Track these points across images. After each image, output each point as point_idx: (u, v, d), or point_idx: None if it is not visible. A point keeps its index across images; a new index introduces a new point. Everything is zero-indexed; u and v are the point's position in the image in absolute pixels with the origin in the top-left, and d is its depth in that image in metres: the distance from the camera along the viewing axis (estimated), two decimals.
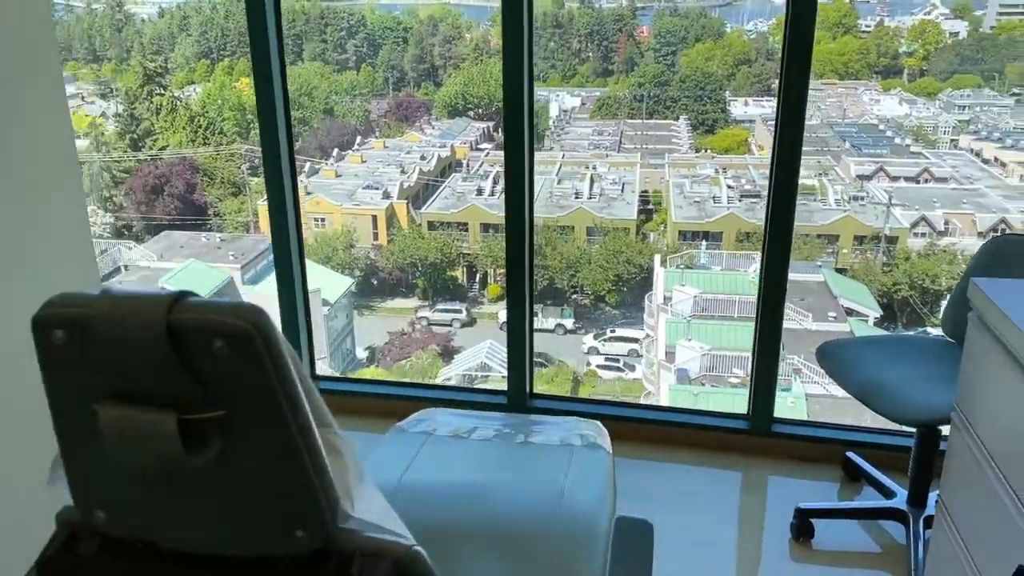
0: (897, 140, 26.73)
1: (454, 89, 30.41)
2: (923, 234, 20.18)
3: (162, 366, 0.85)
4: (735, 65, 31.00)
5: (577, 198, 23.87)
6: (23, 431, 1.63)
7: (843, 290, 16.56)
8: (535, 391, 2.68)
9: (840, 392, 2.47)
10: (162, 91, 28.45)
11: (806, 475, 2.48)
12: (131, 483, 0.93)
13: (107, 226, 24.98)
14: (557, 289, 22.04)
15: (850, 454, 2.36)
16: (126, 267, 18.68)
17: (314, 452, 0.92)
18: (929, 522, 2.03)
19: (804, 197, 22.04)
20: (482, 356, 16.95)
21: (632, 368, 17.99)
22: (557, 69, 34.09)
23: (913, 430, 1.99)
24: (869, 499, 2.30)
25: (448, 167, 27.34)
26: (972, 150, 25.81)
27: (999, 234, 2.18)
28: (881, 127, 28.35)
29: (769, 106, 29.44)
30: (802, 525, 2.19)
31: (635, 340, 19.48)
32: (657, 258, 18.61)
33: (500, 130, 28.58)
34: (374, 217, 24.95)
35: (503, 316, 20.89)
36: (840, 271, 18.70)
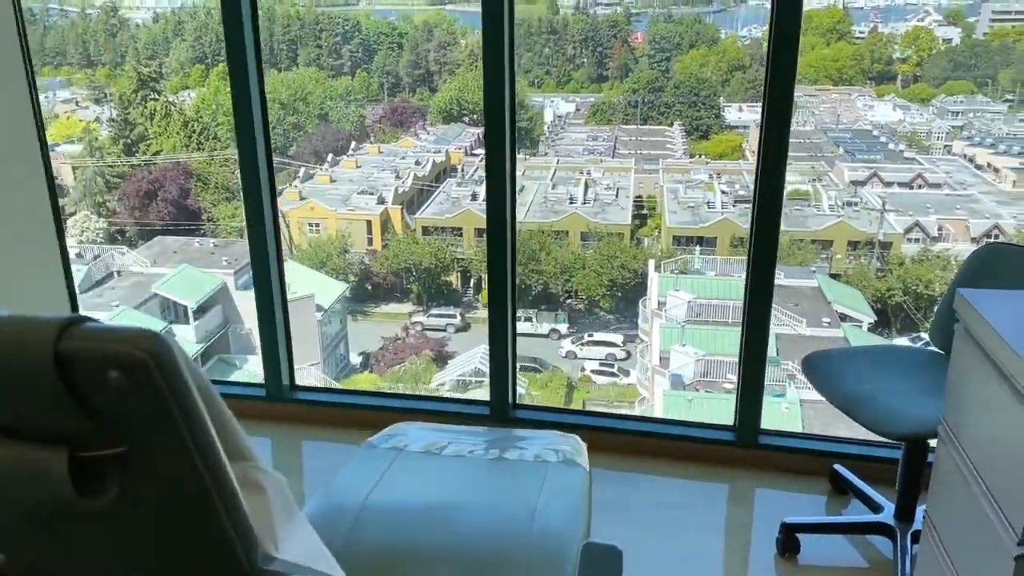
0: (891, 146, 26.82)
1: (449, 94, 30.44)
2: (917, 240, 20.22)
3: (51, 399, 0.77)
4: (729, 71, 31.09)
5: (571, 203, 23.87)
6: None
7: (837, 296, 16.56)
8: (519, 401, 2.63)
9: None
10: (156, 96, 28.38)
11: (793, 488, 2.43)
12: (27, 522, 0.87)
13: (100, 231, 24.88)
14: (551, 294, 22.03)
15: (837, 466, 2.31)
16: (119, 272, 18.58)
17: (225, 489, 0.85)
18: (917, 537, 1.99)
19: (798, 203, 22.09)
20: (476, 361, 16.90)
21: (626, 373, 17.96)
22: (552, 75, 34.14)
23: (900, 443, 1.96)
24: (856, 513, 2.26)
25: (443, 172, 27.32)
26: (965, 156, 25.91)
27: (988, 243, 2.14)
28: (875, 133, 28.44)
29: (762, 114, 29.45)
30: (788, 540, 2.14)
31: (614, 344, 19.45)
32: (651, 263, 18.59)
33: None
34: (368, 222, 24.90)
35: None
36: (834, 276, 18.72)
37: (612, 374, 18.22)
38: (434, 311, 21.52)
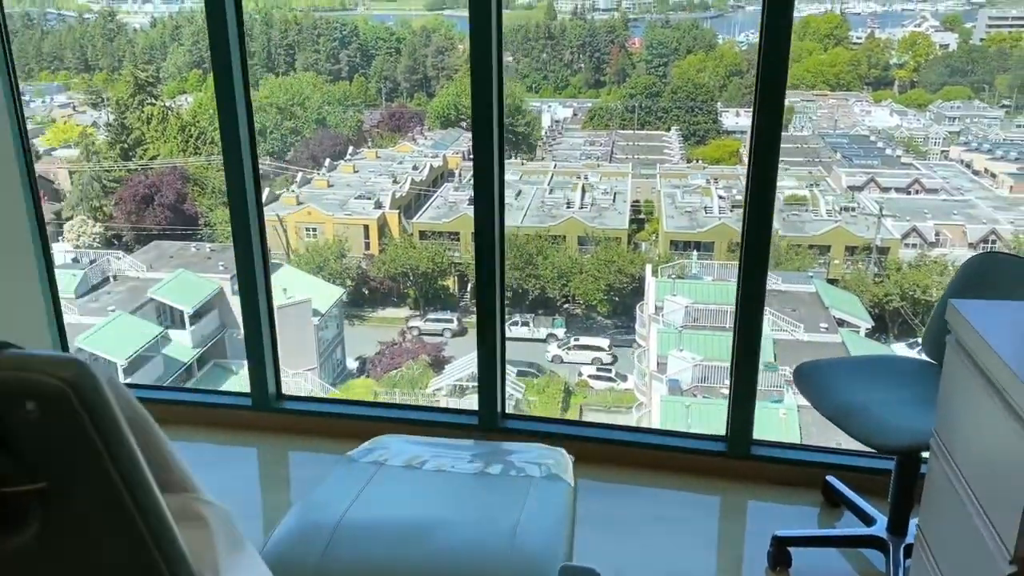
0: (888, 151, 26.86)
1: (447, 99, 30.45)
2: (914, 245, 20.23)
3: None
4: (727, 76, 31.15)
5: (569, 208, 23.88)
6: None
7: (834, 301, 16.54)
8: (516, 409, 2.59)
9: None
10: (153, 101, 28.36)
11: (785, 499, 2.40)
12: None
13: (97, 236, 24.83)
14: (549, 299, 22.01)
15: (830, 478, 2.28)
16: (115, 277, 18.51)
17: (156, 523, 0.79)
18: (909, 551, 1.96)
19: (795, 208, 22.11)
20: (473, 366, 16.79)
21: (624, 378, 17.92)
22: (549, 80, 34.19)
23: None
24: (849, 526, 2.23)
25: (440, 177, 27.31)
26: (962, 161, 25.96)
27: (981, 251, 2.11)
28: (872, 138, 28.49)
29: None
30: (779, 554, 2.11)
31: (600, 348, 19.54)
32: (648, 268, 18.57)
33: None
34: (366, 227, 24.87)
35: None
36: (832, 282, 18.71)
37: (609, 379, 18.18)
38: (431, 316, 21.47)
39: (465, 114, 31.02)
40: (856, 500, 2.20)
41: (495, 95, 2.30)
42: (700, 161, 26.62)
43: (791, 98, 32.39)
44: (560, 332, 20.46)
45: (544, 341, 20.02)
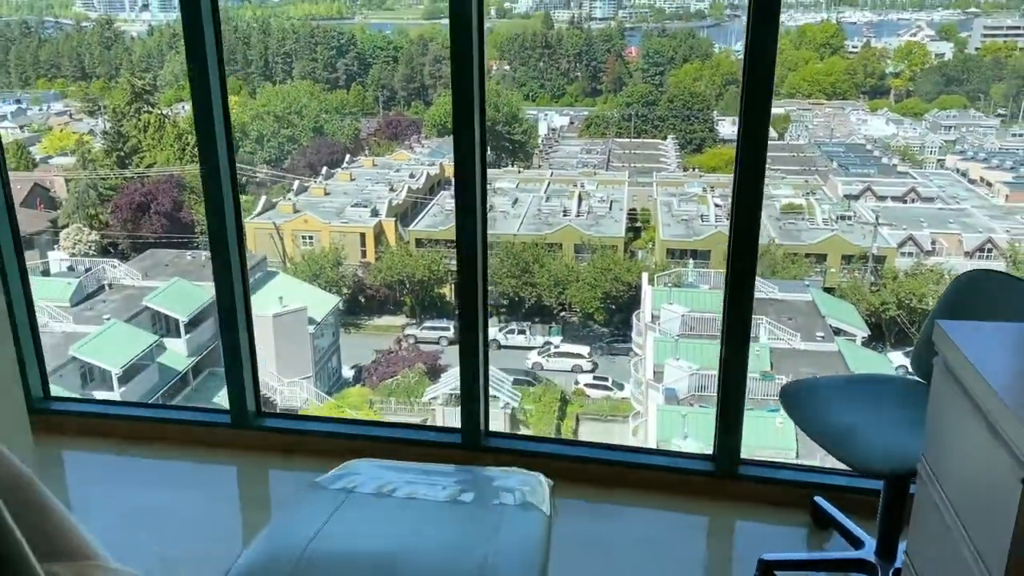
0: (884, 160, 26.93)
1: (444, 108, 30.46)
2: (910, 253, 20.24)
3: None
4: (723, 85, 31.25)
5: (565, 216, 23.88)
6: None
7: (831, 309, 16.51)
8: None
9: None
10: (150, 109, 28.36)
11: (773, 520, 2.35)
12: None
13: (93, 244, 24.77)
14: (545, 307, 21.98)
15: (818, 499, 2.23)
16: (110, 285, 18.43)
17: None
18: (899, 575, 1.91)
19: (792, 216, 22.13)
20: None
21: (620, 387, 17.86)
22: (546, 88, 34.28)
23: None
24: (837, 548, 2.19)
25: (436, 185, 27.30)
26: (958, 170, 26.04)
27: (970, 269, 2.07)
28: (868, 147, 28.56)
29: None
30: None
31: (579, 356, 19.38)
32: (645, 276, 18.54)
33: (488, 148, 28.48)
34: (362, 235, 24.85)
35: (491, 333, 20.95)
36: (828, 290, 18.69)
37: (606, 388, 18.12)
38: (427, 324, 21.41)
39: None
40: (845, 522, 2.16)
41: (476, 103, 2.26)
42: (696, 169, 26.66)
43: (788, 107, 32.52)
44: (557, 340, 20.43)
45: (533, 348, 19.97)
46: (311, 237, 23.81)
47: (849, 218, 21.08)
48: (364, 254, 23.74)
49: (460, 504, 1.46)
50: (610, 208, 23.39)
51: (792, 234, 20.56)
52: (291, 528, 1.38)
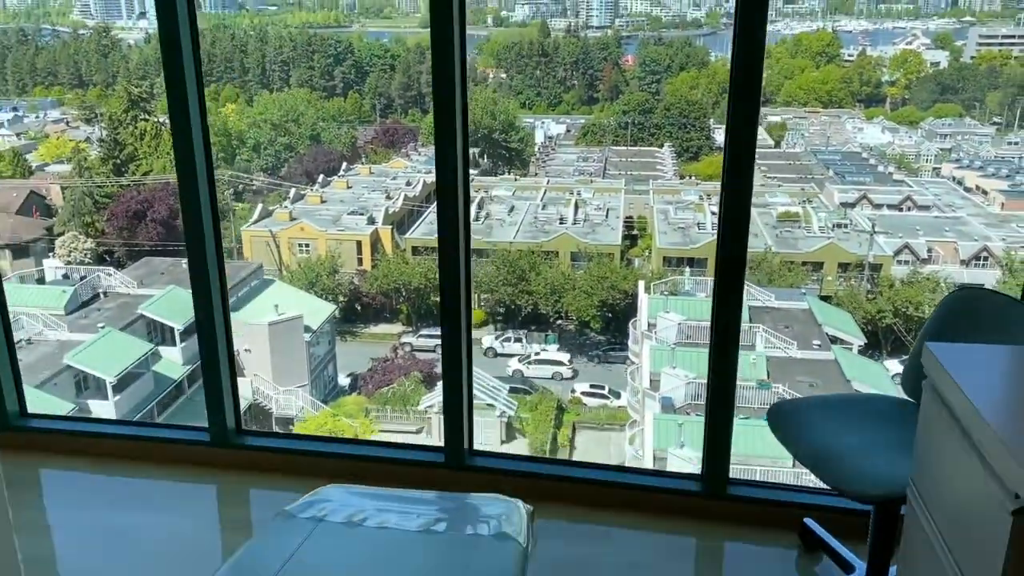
0: (880, 168, 26.99)
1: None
2: (906, 262, 20.25)
3: None
4: (719, 93, 31.32)
5: (562, 223, 23.87)
6: None
7: (827, 318, 16.47)
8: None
9: None
10: (147, 116, 28.31)
11: (762, 541, 2.30)
12: None
13: (88, 251, 24.69)
14: (541, 315, 21.93)
15: (808, 521, 2.18)
16: (105, 293, 18.34)
17: None
18: None
19: (788, 224, 22.14)
20: None
21: (617, 395, 17.79)
22: (543, 97, 34.35)
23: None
24: (827, 572, 2.14)
25: (433, 192, 27.33)
26: (954, 178, 26.10)
27: (960, 287, 2.03)
28: (864, 155, 28.63)
29: None
30: None
31: (560, 363, 19.38)
32: (641, 284, 18.50)
33: (485, 156, 28.50)
34: (359, 243, 24.79)
35: (487, 341, 20.87)
36: (825, 299, 18.67)
37: (603, 396, 18.05)
38: (424, 332, 21.32)
39: None
40: (835, 545, 2.11)
41: (459, 110, 2.23)
42: (693, 177, 26.69)
43: (784, 115, 32.63)
44: (553, 348, 20.37)
45: (527, 357, 19.91)
46: (307, 245, 23.75)
47: (845, 226, 21.09)
48: (360, 262, 23.69)
49: (433, 534, 1.41)
50: (606, 216, 23.38)
51: (788, 242, 20.56)
52: (258, 560, 1.33)
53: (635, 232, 23.98)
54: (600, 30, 37.72)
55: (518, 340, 20.42)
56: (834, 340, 15.76)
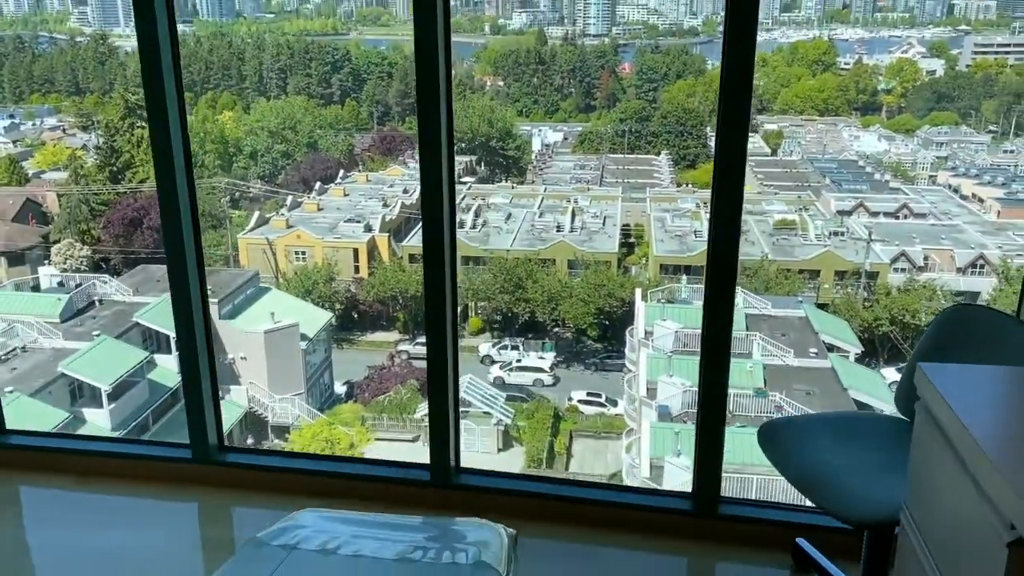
0: (876, 176, 27.06)
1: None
2: (903, 269, 20.26)
3: None
4: (716, 101, 31.51)
5: (559, 231, 23.86)
6: None
7: (824, 326, 16.44)
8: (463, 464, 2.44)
9: None
10: (144, 124, 28.26)
11: (754, 561, 2.25)
12: None
13: (84, 259, 24.61)
14: (538, 323, 21.88)
15: (800, 541, 2.13)
16: (100, 301, 18.25)
17: None
18: None
19: (785, 232, 22.15)
20: (462, 391, 16.63)
21: (614, 403, 17.73)
22: (540, 104, 34.45)
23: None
24: None
25: None
26: (950, 186, 26.17)
27: (954, 304, 1.99)
28: (860, 163, 28.71)
29: (750, 142, 29.84)
30: None
31: (541, 370, 19.36)
32: (638, 292, 18.47)
33: (482, 164, 28.48)
34: (355, 250, 24.75)
35: (484, 349, 20.81)
36: (821, 306, 18.65)
37: (600, 404, 17.99)
38: (420, 339, 21.19)
39: (456, 137, 31.05)
40: (828, 567, 2.07)
41: (444, 117, 2.19)
42: (690, 185, 26.74)
43: (780, 123, 32.73)
44: (550, 356, 20.32)
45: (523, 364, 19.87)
46: (304, 252, 23.70)
47: (842, 234, 21.10)
48: (357, 269, 23.64)
49: (408, 563, 1.36)
50: (603, 224, 23.38)
51: (785, 250, 20.56)
52: None
53: (632, 240, 23.98)
54: (597, 38, 37.91)
55: (515, 348, 20.37)
56: (831, 348, 15.74)
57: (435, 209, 2.25)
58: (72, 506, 2.59)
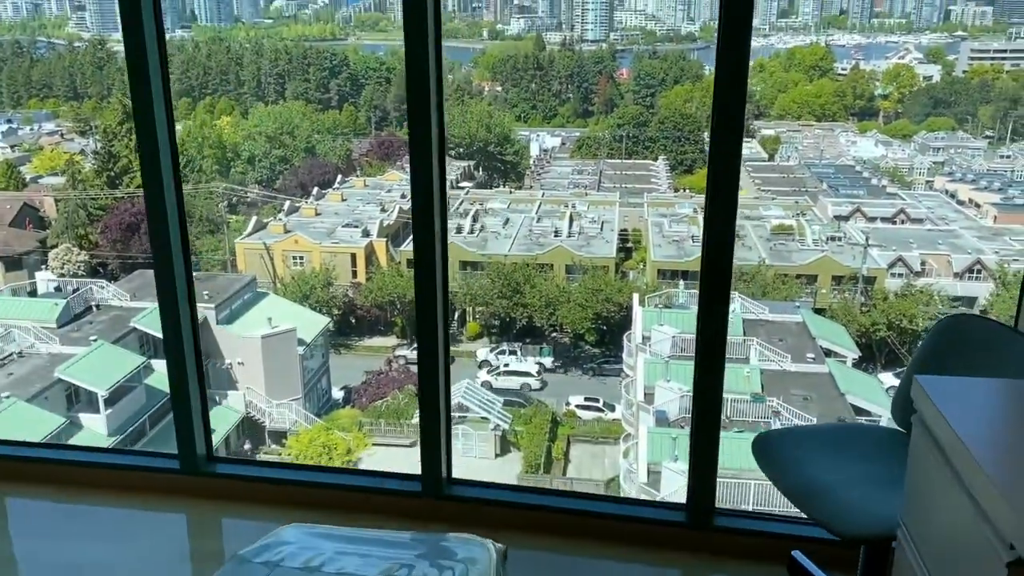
0: (873, 181, 27.10)
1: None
2: (900, 274, 20.28)
3: None
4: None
5: (556, 236, 23.86)
6: None
7: (821, 331, 16.44)
8: (454, 475, 2.39)
9: None
10: None
11: (750, 575, 2.22)
12: None
13: (81, 264, 24.55)
14: (536, 328, 21.85)
15: (796, 554, 2.11)
16: (97, 306, 18.20)
17: None
18: None
19: (782, 237, 22.17)
20: (459, 396, 16.60)
21: (612, 408, 17.70)
22: (538, 110, 34.49)
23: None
24: None
25: None
26: (947, 191, 26.21)
27: (951, 314, 1.97)
28: (857, 168, 28.76)
29: (747, 148, 29.88)
30: None
31: (528, 374, 19.27)
32: (636, 297, 18.46)
33: (480, 169, 28.47)
34: (353, 255, 24.71)
35: (481, 354, 20.79)
36: (819, 311, 18.65)
37: (597, 409, 17.96)
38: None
39: (454, 142, 31.15)
40: None
41: (434, 122, 2.17)
42: (687, 190, 26.75)
43: (778, 128, 32.78)
44: (548, 361, 20.29)
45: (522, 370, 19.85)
46: (302, 257, 23.66)
47: (839, 239, 21.11)
48: (355, 274, 23.60)
49: None
50: (601, 229, 23.38)
51: (782, 255, 20.56)
52: None
53: (630, 245, 23.99)
54: (595, 44, 37.99)
55: (512, 353, 20.34)
56: (828, 353, 15.73)
57: (427, 217, 2.22)
58: (58, 517, 2.55)
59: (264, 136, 31.47)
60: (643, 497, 12.45)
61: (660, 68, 33.49)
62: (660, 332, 16.01)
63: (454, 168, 28.64)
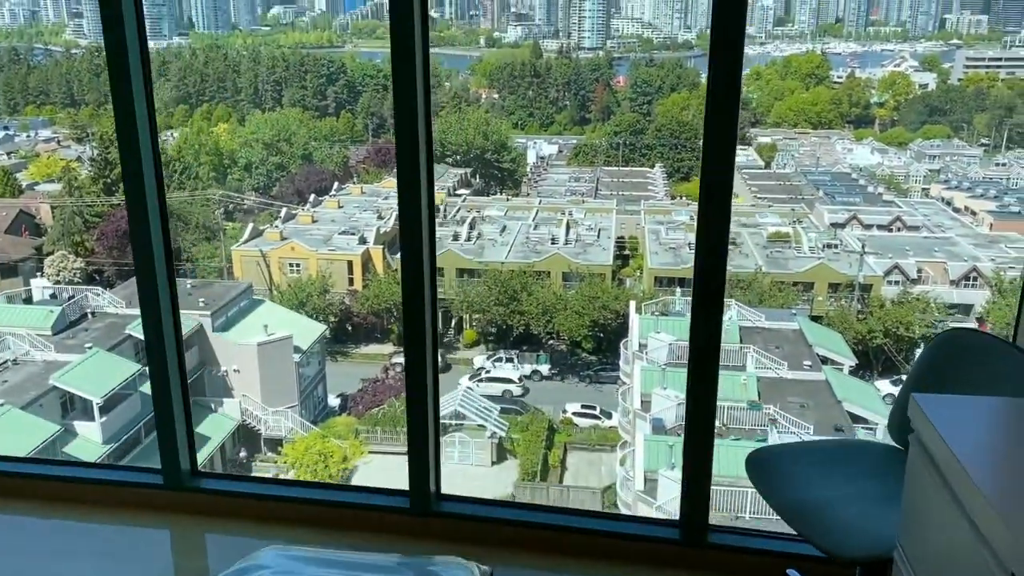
0: (870, 188, 27.17)
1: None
2: (896, 282, 20.29)
3: None
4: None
5: (553, 244, 23.85)
6: None
7: (818, 338, 16.41)
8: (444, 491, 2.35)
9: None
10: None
11: None
12: None
13: (77, 271, 24.47)
14: (533, 335, 21.80)
15: (791, 572, 2.07)
16: (93, 313, 18.10)
17: None
18: None
19: (779, 244, 22.19)
20: (456, 404, 16.53)
21: (608, 416, 17.65)
22: (535, 117, 34.56)
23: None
24: None
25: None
26: (943, 199, 26.28)
27: (948, 329, 1.93)
28: (854, 176, 28.84)
29: (743, 155, 29.96)
30: None
31: (509, 380, 19.31)
32: (632, 305, 18.42)
33: (477, 176, 28.46)
34: (350, 262, 24.66)
35: (478, 362, 20.72)
36: (815, 319, 18.65)
37: (594, 416, 17.90)
38: None
39: (451, 149, 31.16)
40: None
41: (422, 130, 2.13)
42: (684, 197, 26.79)
43: (774, 136, 32.86)
44: (545, 368, 20.25)
45: (530, 378, 19.79)
46: (298, 265, 23.61)
47: (835, 246, 21.13)
48: (351, 282, 23.55)
49: None
50: (598, 236, 23.38)
51: (779, 262, 20.57)
52: None
53: (627, 252, 23.98)
54: (592, 51, 38.10)
55: (509, 360, 20.29)
56: (825, 360, 15.71)
57: (414, 228, 2.18)
58: (39, 534, 2.50)
59: (261, 143, 31.45)
60: (640, 504, 12.39)
61: (657, 76, 33.61)
62: (657, 339, 15.97)
63: (451, 175, 28.62)
